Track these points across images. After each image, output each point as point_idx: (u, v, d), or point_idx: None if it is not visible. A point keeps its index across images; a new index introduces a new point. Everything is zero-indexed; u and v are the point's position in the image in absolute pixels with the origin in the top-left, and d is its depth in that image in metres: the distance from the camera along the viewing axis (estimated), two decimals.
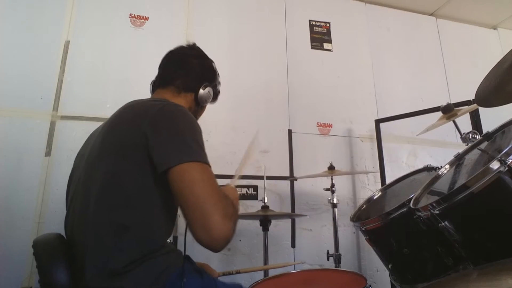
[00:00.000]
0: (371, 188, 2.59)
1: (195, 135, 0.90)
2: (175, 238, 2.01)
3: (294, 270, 1.43)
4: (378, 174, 2.52)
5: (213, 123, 2.30)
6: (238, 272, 1.32)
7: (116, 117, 1.00)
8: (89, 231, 0.86)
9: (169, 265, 0.87)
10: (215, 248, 0.79)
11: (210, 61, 1.22)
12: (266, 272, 1.82)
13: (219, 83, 1.25)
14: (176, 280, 0.86)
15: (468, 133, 1.46)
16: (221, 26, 2.57)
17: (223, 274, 1.27)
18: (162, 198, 0.87)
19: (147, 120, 0.89)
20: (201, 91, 1.14)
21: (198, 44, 1.23)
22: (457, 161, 1.32)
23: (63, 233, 0.97)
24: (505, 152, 0.87)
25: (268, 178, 2.19)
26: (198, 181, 0.81)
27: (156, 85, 1.17)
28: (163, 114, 0.91)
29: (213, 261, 2.06)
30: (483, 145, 1.26)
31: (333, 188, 2.03)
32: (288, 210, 2.35)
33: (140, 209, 0.86)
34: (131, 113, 0.97)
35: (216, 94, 1.23)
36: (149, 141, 0.86)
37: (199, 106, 1.18)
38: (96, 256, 0.84)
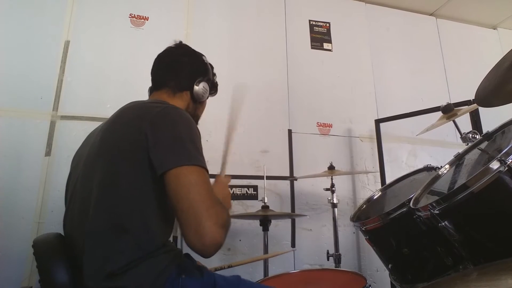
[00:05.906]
0: (371, 188, 2.59)
1: (194, 139, 0.90)
2: (175, 238, 2.01)
3: (294, 270, 1.43)
4: (378, 174, 2.52)
5: (213, 123, 2.29)
6: (230, 266, 1.32)
7: (116, 117, 1.00)
8: (87, 232, 0.86)
9: (168, 263, 0.86)
10: (205, 254, 0.78)
11: (200, 56, 1.21)
12: (266, 272, 1.82)
13: (215, 74, 1.25)
14: (175, 277, 0.86)
15: (468, 133, 1.46)
16: (221, 26, 2.57)
17: (216, 270, 1.27)
18: (161, 199, 0.86)
19: (147, 121, 0.89)
20: (195, 87, 1.14)
21: (198, 44, 1.23)
22: (457, 161, 1.32)
23: (62, 233, 0.97)
24: (505, 152, 0.87)
25: (268, 178, 2.19)
26: (194, 185, 0.81)
27: (151, 89, 1.18)
28: (164, 116, 0.91)
29: (214, 260, 2.06)
30: (483, 145, 1.26)
31: (333, 188, 2.03)
32: (288, 210, 2.34)
33: (139, 210, 0.86)
34: (131, 114, 0.97)
35: (214, 86, 1.23)
36: (148, 142, 0.85)
37: (197, 103, 1.18)
38: (94, 257, 0.83)
